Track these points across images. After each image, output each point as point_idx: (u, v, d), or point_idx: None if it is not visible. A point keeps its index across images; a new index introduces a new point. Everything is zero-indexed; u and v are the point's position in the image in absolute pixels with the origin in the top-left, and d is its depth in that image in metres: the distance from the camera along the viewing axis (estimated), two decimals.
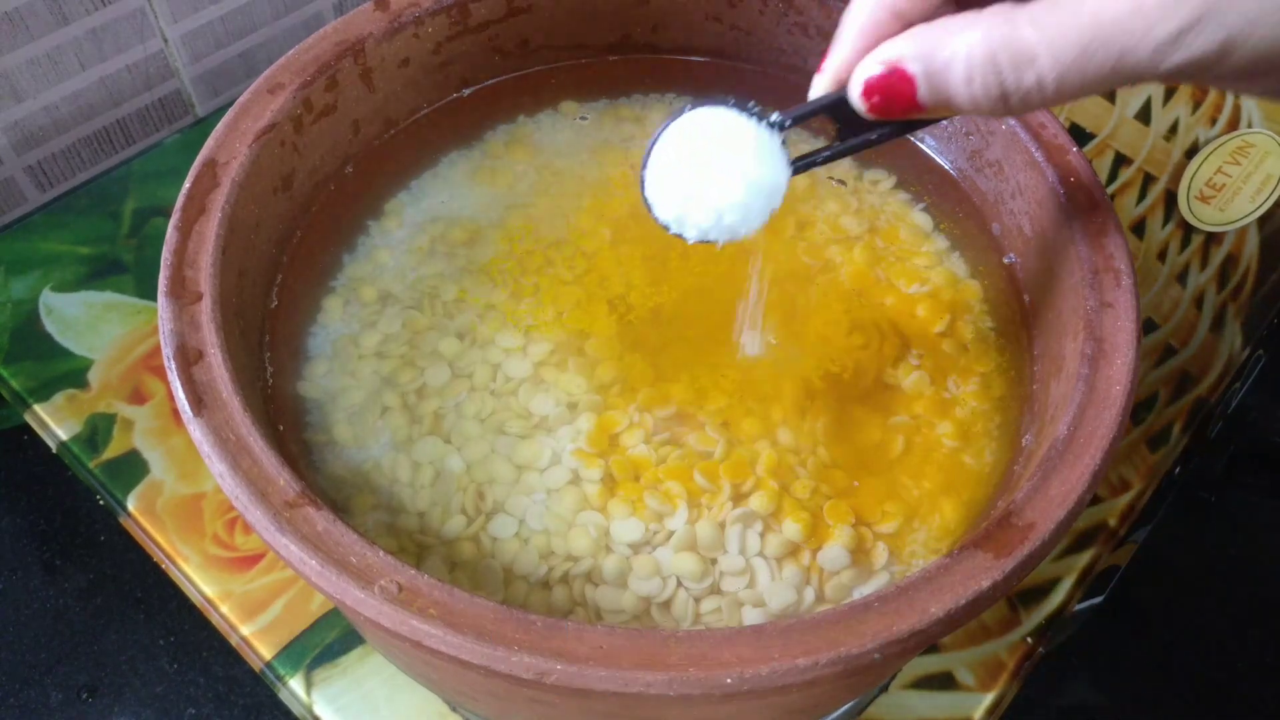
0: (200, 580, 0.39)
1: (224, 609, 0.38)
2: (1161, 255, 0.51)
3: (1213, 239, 0.52)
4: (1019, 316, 0.37)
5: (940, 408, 0.35)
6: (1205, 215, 0.52)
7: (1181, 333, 0.49)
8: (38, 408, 0.43)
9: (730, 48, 0.43)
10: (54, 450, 0.43)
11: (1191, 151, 0.54)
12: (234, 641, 0.38)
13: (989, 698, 0.38)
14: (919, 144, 0.41)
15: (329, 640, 0.38)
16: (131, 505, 0.41)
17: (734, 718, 0.29)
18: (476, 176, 0.40)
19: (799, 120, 0.28)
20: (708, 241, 0.29)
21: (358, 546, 0.26)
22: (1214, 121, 0.55)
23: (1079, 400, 0.30)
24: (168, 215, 0.32)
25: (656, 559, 0.32)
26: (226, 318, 0.30)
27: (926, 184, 0.41)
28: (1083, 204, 0.34)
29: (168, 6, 0.50)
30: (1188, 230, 0.52)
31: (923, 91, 0.25)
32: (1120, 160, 0.54)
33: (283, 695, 0.38)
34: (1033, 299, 0.36)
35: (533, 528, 0.32)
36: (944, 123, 0.40)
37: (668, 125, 0.29)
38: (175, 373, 0.29)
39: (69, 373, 0.44)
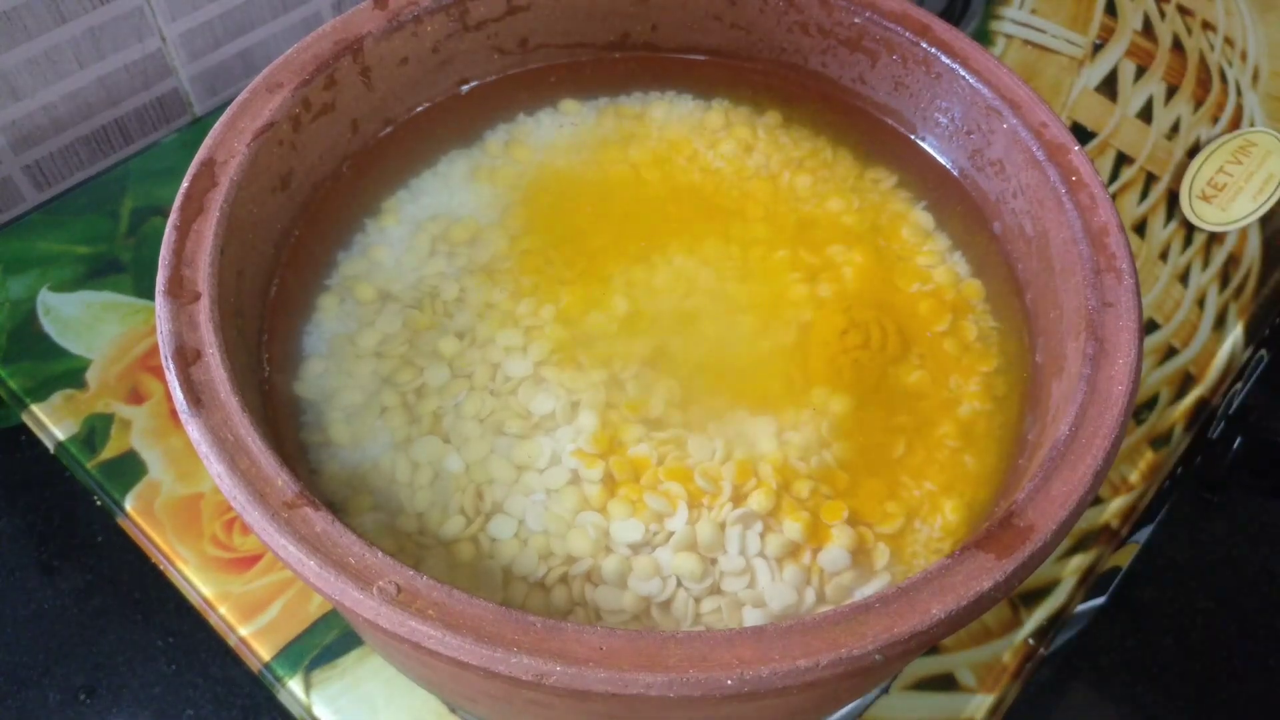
0: (198, 581, 0.39)
1: (222, 610, 0.38)
2: (1163, 255, 0.51)
3: (1215, 239, 0.52)
4: (1020, 316, 0.37)
5: (942, 407, 0.35)
6: (1207, 215, 0.52)
7: (1183, 333, 0.48)
8: (35, 408, 0.43)
9: (730, 46, 0.43)
10: (51, 450, 0.43)
11: (1193, 151, 0.54)
12: (232, 642, 0.38)
13: (990, 699, 0.38)
14: (920, 143, 0.41)
15: (328, 641, 0.38)
16: (129, 506, 0.40)
17: (734, 719, 0.29)
18: (476, 175, 0.40)
19: None
20: None
21: (356, 547, 0.26)
22: (1216, 120, 0.55)
23: (1081, 400, 0.29)
24: (166, 214, 0.32)
25: (656, 559, 0.32)
26: (224, 317, 0.30)
27: (928, 183, 0.41)
28: (1084, 203, 0.34)
29: (166, 5, 0.50)
30: (1190, 230, 0.52)
31: None
32: (1122, 159, 0.54)
33: (281, 696, 0.38)
34: (1034, 298, 0.36)
35: (532, 528, 0.32)
36: (944, 121, 0.40)
37: None
38: (173, 372, 0.29)
39: (66, 372, 0.44)
